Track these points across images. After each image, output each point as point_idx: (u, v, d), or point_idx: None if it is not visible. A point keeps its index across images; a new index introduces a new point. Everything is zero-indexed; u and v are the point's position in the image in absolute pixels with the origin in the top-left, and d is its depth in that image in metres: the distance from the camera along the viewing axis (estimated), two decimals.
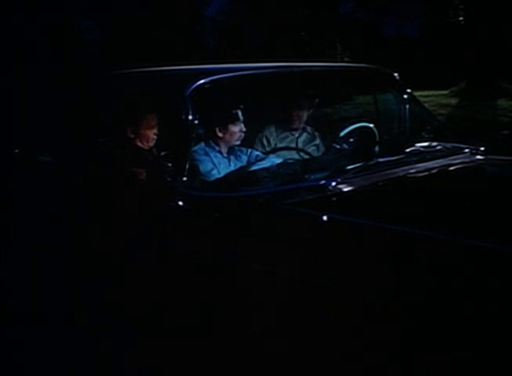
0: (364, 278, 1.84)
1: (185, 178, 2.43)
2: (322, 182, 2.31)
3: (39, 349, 2.89)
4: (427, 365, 1.69)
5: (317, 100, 3.50)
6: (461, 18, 14.62)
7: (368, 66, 3.46)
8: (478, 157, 2.86)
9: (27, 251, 3.32)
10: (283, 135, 3.44)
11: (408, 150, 2.84)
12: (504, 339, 1.58)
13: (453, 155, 2.83)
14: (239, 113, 3.05)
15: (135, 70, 3.27)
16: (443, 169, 2.67)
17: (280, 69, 3.13)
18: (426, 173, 2.60)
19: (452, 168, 2.71)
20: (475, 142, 2.95)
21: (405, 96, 3.29)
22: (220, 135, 3.03)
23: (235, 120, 3.03)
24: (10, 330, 3.11)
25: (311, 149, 3.43)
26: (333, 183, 2.30)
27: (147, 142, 3.13)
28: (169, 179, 2.46)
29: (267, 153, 3.26)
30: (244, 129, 3.08)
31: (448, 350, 1.65)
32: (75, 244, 3.00)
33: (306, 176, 2.62)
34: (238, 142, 3.10)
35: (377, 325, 1.78)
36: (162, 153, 3.05)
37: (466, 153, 2.88)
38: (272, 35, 17.20)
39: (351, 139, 2.93)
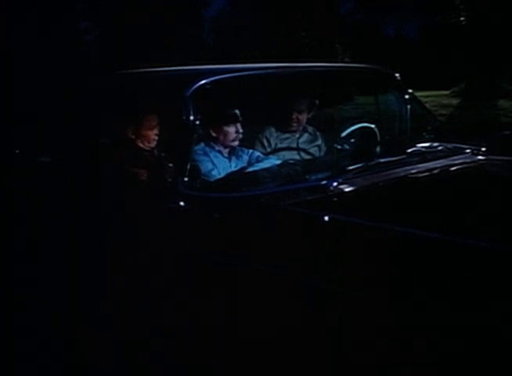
0: (365, 278, 1.84)
1: (186, 179, 2.43)
2: (324, 182, 2.31)
3: (39, 352, 2.90)
4: (428, 365, 1.69)
5: (318, 101, 3.50)
6: (462, 18, 14.61)
7: (369, 66, 3.46)
8: (479, 157, 2.86)
9: (27, 251, 3.32)
10: (283, 136, 3.44)
11: (409, 151, 2.84)
12: (504, 339, 1.58)
13: (454, 155, 2.83)
14: (236, 113, 3.04)
15: (136, 70, 3.27)
16: (444, 169, 2.67)
17: (281, 69, 3.13)
18: (427, 173, 2.60)
19: (453, 169, 2.70)
20: (476, 143, 2.95)
21: (406, 96, 3.29)
22: (214, 135, 3.03)
23: (229, 121, 3.02)
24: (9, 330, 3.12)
25: (313, 149, 3.43)
26: (335, 184, 2.30)
27: (148, 142, 3.13)
28: (170, 180, 2.46)
29: (268, 154, 3.27)
30: (241, 130, 3.07)
31: (448, 350, 1.64)
32: (75, 244, 3.00)
33: (307, 176, 2.62)
34: (235, 143, 3.08)
35: (378, 325, 1.77)
36: (163, 154, 3.05)
37: (468, 153, 2.88)
38: (272, 35, 17.18)
39: (353, 140, 2.92)
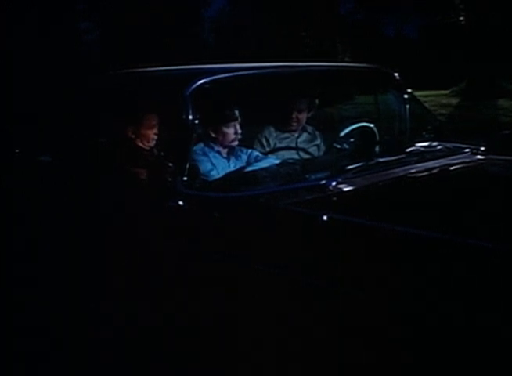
0: (364, 278, 1.84)
1: (185, 178, 2.43)
2: (323, 181, 2.31)
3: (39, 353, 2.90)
4: (428, 365, 1.69)
5: (317, 101, 3.50)
6: (462, 18, 14.61)
7: (368, 66, 3.46)
8: (479, 156, 2.86)
9: (27, 251, 3.32)
10: (282, 136, 3.44)
11: (408, 150, 2.84)
12: (504, 339, 1.58)
13: (454, 155, 2.83)
14: (235, 114, 3.04)
15: (135, 70, 3.27)
16: (443, 169, 2.66)
17: (281, 69, 3.13)
18: (426, 173, 2.60)
19: (452, 168, 2.70)
20: (476, 142, 2.95)
21: (406, 96, 3.29)
22: (213, 135, 3.03)
23: (227, 121, 3.02)
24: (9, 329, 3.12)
25: (312, 149, 3.42)
26: (334, 183, 2.30)
27: (147, 142, 3.12)
28: (169, 179, 2.46)
29: (267, 154, 3.26)
30: (240, 131, 3.06)
31: (449, 349, 1.64)
32: (75, 244, 3.00)
33: (306, 176, 2.62)
34: (234, 144, 3.08)
35: (378, 325, 1.77)
36: (162, 153, 3.05)
37: (467, 153, 2.88)
38: (272, 35, 17.20)
39: (352, 139, 2.93)
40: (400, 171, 2.55)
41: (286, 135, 3.44)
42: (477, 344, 1.61)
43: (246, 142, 3.22)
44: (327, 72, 3.31)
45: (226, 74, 2.81)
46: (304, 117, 3.44)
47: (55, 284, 3.11)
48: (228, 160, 3.05)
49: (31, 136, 3.75)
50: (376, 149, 3.07)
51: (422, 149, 2.90)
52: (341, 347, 1.88)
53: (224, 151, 3.06)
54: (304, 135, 3.47)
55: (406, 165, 2.61)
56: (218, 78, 2.71)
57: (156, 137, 3.13)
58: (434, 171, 2.63)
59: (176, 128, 2.63)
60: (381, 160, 2.62)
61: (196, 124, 2.54)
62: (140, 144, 3.12)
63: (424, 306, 1.70)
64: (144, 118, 3.11)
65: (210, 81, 2.66)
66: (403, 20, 21.38)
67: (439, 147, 2.95)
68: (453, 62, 15.20)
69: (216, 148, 3.04)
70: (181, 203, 2.40)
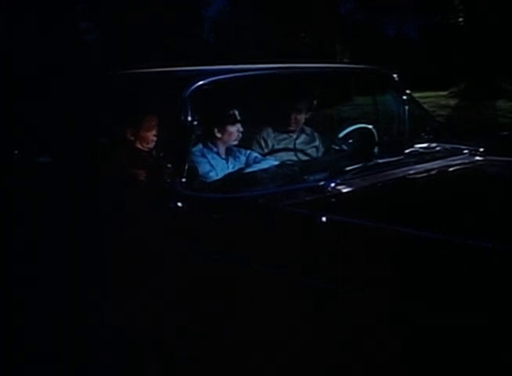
0: (364, 279, 1.85)
1: (184, 180, 2.44)
2: (322, 183, 2.31)
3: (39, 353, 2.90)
4: (429, 365, 1.70)
5: (316, 101, 3.50)
6: (461, 19, 14.62)
7: (367, 67, 3.46)
8: (478, 158, 2.86)
9: (27, 251, 3.32)
10: (281, 137, 3.44)
11: (407, 151, 2.84)
12: (504, 339, 1.59)
13: (452, 156, 2.84)
14: (237, 113, 3.05)
15: (135, 70, 3.28)
16: (442, 170, 2.67)
17: (280, 70, 3.13)
18: (425, 174, 2.61)
19: (451, 169, 2.71)
20: (474, 143, 2.95)
21: (405, 97, 3.29)
22: (218, 135, 3.04)
23: (233, 120, 3.04)
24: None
25: (310, 150, 3.43)
26: (333, 184, 2.30)
27: (147, 143, 3.12)
28: (168, 180, 2.46)
29: (265, 155, 3.27)
30: (241, 129, 3.08)
31: (449, 349, 1.65)
32: (75, 244, 3.00)
33: (305, 177, 2.63)
34: (236, 142, 3.10)
35: (377, 326, 1.78)
36: (161, 155, 3.05)
37: (466, 154, 2.89)
38: (272, 35, 17.22)
39: (351, 140, 2.94)
40: (399, 172, 2.55)
41: (285, 136, 3.44)
42: (478, 344, 1.61)
43: (245, 143, 3.23)
44: (326, 73, 3.32)
45: (225, 76, 2.81)
46: (302, 117, 3.44)
47: (55, 284, 3.11)
48: (227, 162, 3.06)
49: (31, 136, 3.75)
50: (375, 150, 3.08)
51: (421, 150, 2.90)
52: (341, 347, 1.88)
53: (223, 152, 3.07)
54: (303, 137, 3.48)
55: (405, 166, 2.61)
56: (217, 80, 2.71)
57: (155, 139, 3.13)
58: (433, 172, 2.64)
59: (175, 130, 2.63)
60: (380, 161, 2.63)
61: (195, 125, 2.54)
62: (139, 146, 3.12)
63: (424, 306, 1.71)
64: (144, 120, 3.11)
65: (209, 82, 2.66)
66: (403, 20, 21.40)
67: (438, 148, 2.95)
68: (453, 62, 15.20)
69: (215, 149, 3.05)
70: (180, 204, 2.40)
